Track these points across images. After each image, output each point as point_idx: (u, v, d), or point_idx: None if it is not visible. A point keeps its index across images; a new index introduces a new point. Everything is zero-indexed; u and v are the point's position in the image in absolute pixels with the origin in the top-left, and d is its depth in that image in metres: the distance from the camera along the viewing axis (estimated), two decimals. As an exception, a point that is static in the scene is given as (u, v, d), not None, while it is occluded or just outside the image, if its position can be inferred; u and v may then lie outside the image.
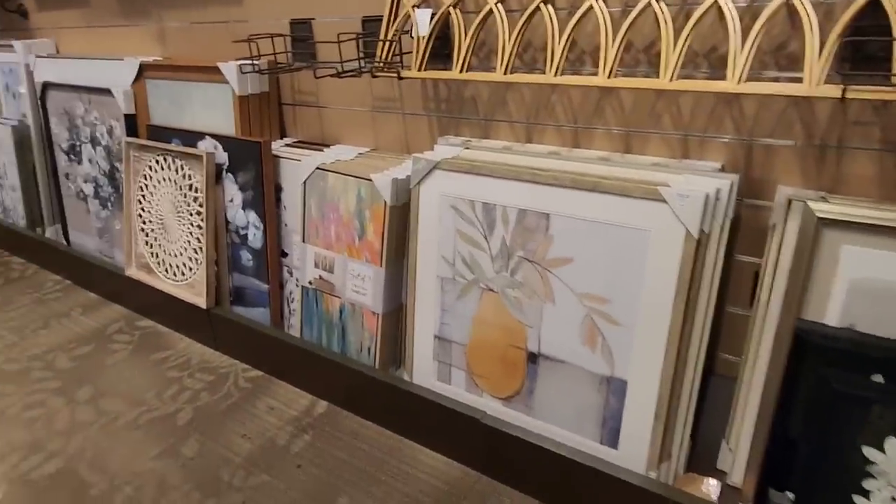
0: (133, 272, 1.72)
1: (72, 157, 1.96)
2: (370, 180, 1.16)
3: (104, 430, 1.30)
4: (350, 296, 1.25)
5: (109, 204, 1.87)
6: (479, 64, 1.16)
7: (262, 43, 1.33)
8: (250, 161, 1.38)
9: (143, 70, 1.63)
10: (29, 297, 1.96)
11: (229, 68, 1.39)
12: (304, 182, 1.28)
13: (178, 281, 1.60)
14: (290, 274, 1.46)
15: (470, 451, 1.12)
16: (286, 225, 1.43)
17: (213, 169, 1.45)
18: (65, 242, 2.10)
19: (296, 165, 1.35)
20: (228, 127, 1.46)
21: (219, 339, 1.58)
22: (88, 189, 1.94)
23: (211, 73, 1.45)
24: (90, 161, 1.89)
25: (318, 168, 1.25)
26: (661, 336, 0.90)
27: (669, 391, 0.91)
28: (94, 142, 1.84)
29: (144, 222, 1.66)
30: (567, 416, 1.03)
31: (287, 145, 1.47)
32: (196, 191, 1.49)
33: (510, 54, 0.96)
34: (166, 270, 1.63)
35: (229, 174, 1.45)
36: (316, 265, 1.30)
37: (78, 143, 1.91)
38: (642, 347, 0.92)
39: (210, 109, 1.50)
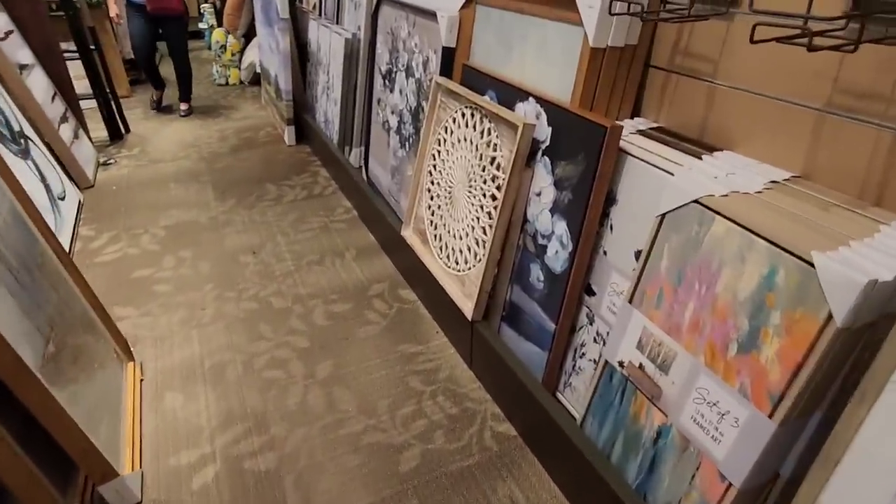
0: (408, 234, 1.48)
1: (387, 82, 1.78)
2: (810, 264, 0.59)
3: (325, 435, 1.08)
4: (686, 424, 0.74)
5: (407, 145, 1.64)
6: None
7: (658, -35, 0.81)
8: (582, 150, 0.92)
9: (477, -9, 1.26)
10: (320, 220, 1.92)
11: (589, 2, 0.91)
12: (664, 215, 0.76)
13: (450, 267, 1.29)
14: (590, 320, 1.00)
15: None
16: (605, 253, 0.95)
17: (526, 147, 1.03)
18: (364, 170, 2.01)
19: (652, 176, 0.83)
20: (564, 89, 1.01)
21: (476, 360, 1.24)
22: (393, 122, 1.74)
23: (559, 5, 0.99)
24: (401, 92, 1.67)
25: (697, 202, 0.72)
26: None
27: None
28: (408, 71, 1.60)
29: (433, 183, 1.37)
30: None
31: (640, 132, 0.96)
32: (498, 168, 1.10)
33: None
34: (441, 249, 1.33)
35: (545, 158, 1.01)
36: (639, 345, 0.81)
37: (394, 70, 1.70)
38: None
39: (545, 59, 1.06)
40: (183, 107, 2.99)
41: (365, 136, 2.00)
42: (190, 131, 2.77)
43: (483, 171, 1.15)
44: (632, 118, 1.03)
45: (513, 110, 1.09)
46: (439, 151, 1.33)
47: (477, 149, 1.17)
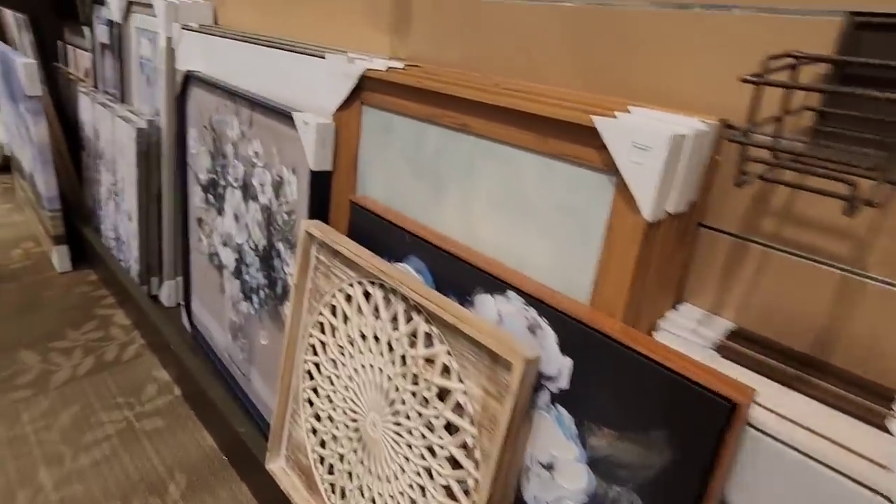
0: (279, 469, 0.89)
1: (210, 197, 1.19)
2: None
3: None
4: None
5: (256, 300, 1.06)
6: None
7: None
8: (666, 425, 0.46)
9: (363, 85, 0.76)
10: (118, 416, 1.22)
11: (639, 139, 0.47)
12: None
13: (367, 548, 0.74)
14: None
15: None
16: None
17: (527, 398, 0.54)
18: (184, 313, 1.36)
19: (825, 481, 0.41)
20: (565, 268, 0.55)
21: None
22: (227, 258, 1.15)
23: (557, 132, 0.54)
24: (236, 217, 1.09)
25: None
26: None
27: None
28: (246, 191, 1.04)
29: (317, 392, 0.82)
30: None
31: (717, 350, 0.54)
32: (459, 410, 0.60)
33: None
34: (346, 512, 0.78)
35: (558, 408, 0.54)
36: None
37: (221, 182, 1.13)
38: None
39: (520, 214, 0.60)
40: None
41: (182, 265, 1.36)
42: None
43: (423, 405, 0.64)
44: (674, 307, 0.62)
45: (468, 305, 0.61)
46: (324, 344, 0.79)
47: (403, 361, 0.66)
